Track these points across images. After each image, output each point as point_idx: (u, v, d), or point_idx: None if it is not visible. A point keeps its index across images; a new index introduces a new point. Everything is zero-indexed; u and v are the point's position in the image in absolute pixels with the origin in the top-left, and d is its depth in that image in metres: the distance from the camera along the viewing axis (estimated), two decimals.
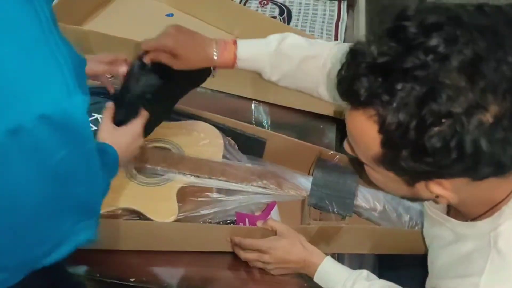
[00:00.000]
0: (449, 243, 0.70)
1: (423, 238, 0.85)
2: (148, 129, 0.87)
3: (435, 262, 0.75)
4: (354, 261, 0.94)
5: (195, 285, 0.90)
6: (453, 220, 0.69)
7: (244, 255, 0.87)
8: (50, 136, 0.50)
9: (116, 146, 0.76)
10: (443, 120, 0.50)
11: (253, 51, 0.85)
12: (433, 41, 0.50)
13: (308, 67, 0.83)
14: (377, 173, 0.61)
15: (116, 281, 0.90)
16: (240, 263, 0.90)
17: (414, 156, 0.53)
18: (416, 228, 0.91)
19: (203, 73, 0.92)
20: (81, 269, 0.91)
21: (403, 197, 0.66)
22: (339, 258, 0.94)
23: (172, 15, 1.54)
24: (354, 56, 0.55)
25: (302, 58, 0.83)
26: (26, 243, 0.56)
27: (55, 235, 0.59)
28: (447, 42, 0.50)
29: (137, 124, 0.83)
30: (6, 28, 0.49)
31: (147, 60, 0.84)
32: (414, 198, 0.64)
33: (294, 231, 0.85)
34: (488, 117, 0.50)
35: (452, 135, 0.50)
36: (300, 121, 1.23)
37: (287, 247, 0.84)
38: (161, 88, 0.85)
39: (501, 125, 0.50)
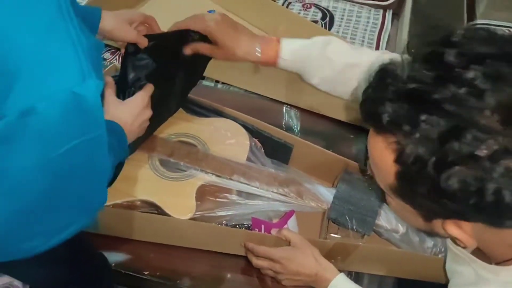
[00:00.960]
0: (469, 284, 0.66)
1: (445, 269, 0.81)
2: (153, 123, 0.87)
3: None
4: (373, 282, 0.91)
5: (207, 285, 0.90)
6: (478, 261, 0.65)
7: (256, 261, 0.86)
8: (60, 123, 0.49)
9: (122, 120, 0.74)
10: (464, 162, 0.46)
11: (296, 52, 0.83)
12: (471, 74, 0.46)
13: (349, 74, 0.82)
14: (394, 202, 0.58)
15: (130, 273, 0.91)
16: (253, 268, 0.89)
17: (431, 195, 0.49)
18: (440, 256, 0.87)
19: (200, 63, 0.92)
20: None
21: (419, 230, 0.63)
22: (358, 276, 0.92)
23: (214, 11, 1.53)
24: (383, 76, 0.52)
25: (344, 65, 0.81)
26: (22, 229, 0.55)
27: (53, 225, 0.57)
28: (487, 78, 0.46)
29: (142, 95, 0.80)
30: (23, 9, 0.49)
31: (187, 51, 0.84)
32: (431, 233, 0.61)
33: (309, 243, 0.83)
34: None
35: (473, 180, 0.46)
36: (330, 129, 1.21)
37: (300, 259, 0.82)
38: (156, 73, 0.85)
39: None
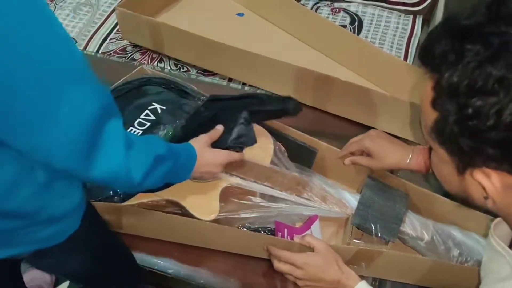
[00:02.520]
0: (505, 277, 0.64)
1: (478, 275, 0.78)
2: None
3: None
4: None
5: (231, 286, 0.91)
6: (511, 252, 0.64)
7: (277, 265, 0.86)
8: None
9: (198, 155, 0.79)
10: (493, 84, 0.47)
11: None
12: None
13: None
14: (434, 155, 0.59)
15: (155, 270, 0.92)
16: (276, 272, 0.89)
17: (459, 121, 0.51)
18: (466, 265, 0.85)
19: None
20: None
21: (455, 194, 0.63)
22: (381, 284, 0.91)
23: (242, 14, 1.55)
24: (445, 20, 0.54)
25: None
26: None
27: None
28: None
29: (225, 155, 0.85)
30: None
31: (347, 162, 0.95)
32: (465, 198, 0.60)
33: (332, 250, 0.83)
34: None
35: (496, 102, 0.47)
36: (357, 134, 1.20)
37: (322, 265, 0.82)
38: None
39: None
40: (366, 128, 1.18)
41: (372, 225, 0.86)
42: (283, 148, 0.99)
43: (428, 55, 0.54)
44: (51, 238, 0.73)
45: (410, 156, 0.88)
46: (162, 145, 0.71)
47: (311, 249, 0.84)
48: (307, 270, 0.82)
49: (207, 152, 0.83)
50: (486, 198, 0.56)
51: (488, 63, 0.48)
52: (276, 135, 1.01)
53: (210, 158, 0.82)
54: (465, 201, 0.62)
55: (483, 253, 0.85)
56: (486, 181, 0.54)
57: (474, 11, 0.52)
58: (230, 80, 1.35)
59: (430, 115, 0.54)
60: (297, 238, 0.86)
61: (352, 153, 0.97)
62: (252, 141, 0.91)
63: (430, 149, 0.62)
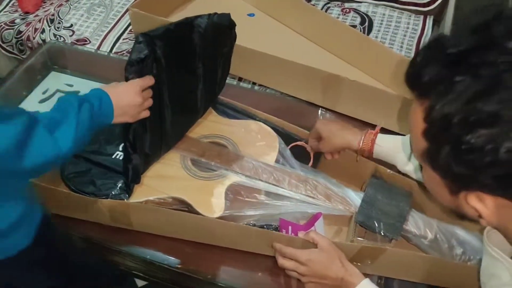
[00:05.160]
0: (504, 284, 0.65)
1: (478, 276, 0.79)
2: (182, 123, 0.93)
3: None
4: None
5: (239, 282, 0.92)
6: (509, 259, 0.64)
7: (281, 261, 0.87)
8: None
9: (111, 91, 0.81)
10: (486, 120, 0.47)
11: (389, 145, 0.93)
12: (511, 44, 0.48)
13: None
14: (426, 173, 0.59)
15: (164, 265, 0.94)
16: (281, 270, 0.90)
17: (453, 153, 0.51)
18: (469, 263, 0.85)
19: (221, 57, 1.02)
20: (134, 250, 0.96)
21: (448, 208, 0.63)
22: (387, 283, 0.91)
23: (253, 15, 1.57)
24: (432, 44, 0.54)
25: None
26: None
27: None
28: None
29: (133, 82, 0.83)
30: None
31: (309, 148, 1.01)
32: (458, 213, 0.61)
33: (335, 247, 0.84)
34: None
35: (492, 139, 0.47)
36: None
37: (325, 262, 0.82)
38: (170, 72, 0.90)
39: None
40: (369, 126, 1.18)
41: (376, 223, 0.87)
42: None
43: (416, 82, 0.54)
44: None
45: (362, 138, 0.92)
46: (72, 101, 0.75)
47: (314, 245, 0.85)
48: (311, 266, 0.83)
49: (119, 86, 0.83)
50: (480, 217, 0.56)
51: (479, 98, 0.47)
52: (282, 133, 1.03)
53: (123, 90, 0.82)
54: (461, 217, 0.62)
55: None
56: (480, 205, 0.54)
57: (461, 35, 0.51)
58: (240, 79, 1.36)
59: (422, 143, 0.54)
60: (301, 234, 0.87)
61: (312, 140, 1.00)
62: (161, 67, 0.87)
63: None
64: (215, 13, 0.98)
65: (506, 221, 0.57)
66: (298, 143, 1.03)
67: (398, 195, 0.91)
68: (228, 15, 1.00)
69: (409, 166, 0.90)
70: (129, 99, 0.82)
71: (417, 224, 0.87)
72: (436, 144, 0.52)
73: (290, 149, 1.00)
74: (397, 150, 0.91)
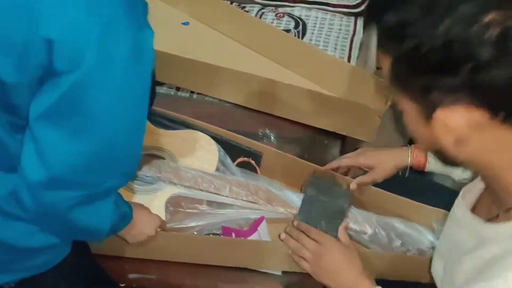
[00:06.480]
0: (471, 249, 0.63)
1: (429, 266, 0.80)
2: None
3: (456, 273, 0.66)
4: None
5: None
6: (477, 218, 0.63)
7: (293, 243, 0.86)
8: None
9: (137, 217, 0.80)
10: (448, 11, 0.49)
11: None
12: None
13: None
14: (404, 114, 0.59)
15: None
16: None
17: (404, 56, 0.52)
18: (408, 254, 0.88)
19: None
20: None
21: (431, 151, 0.64)
22: None
23: (188, 23, 1.56)
24: None
25: None
26: None
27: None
28: None
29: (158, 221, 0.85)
30: None
31: (353, 186, 0.96)
32: (440, 154, 0.59)
33: (355, 250, 0.83)
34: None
35: (430, 24, 0.49)
36: (306, 136, 1.23)
37: (341, 259, 0.81)
38: None
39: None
40: (312, 129, 1.21)
41: (316, 222, 0.88)
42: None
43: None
44: (44, 264, 0.74)
45: (410, 153, 0.93)
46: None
47: None
48: (328, 255, 0.81)
49: (143, 212, 0.84)
50: (457, 142, 0.53)
51: None
52: (221, 141, 1.02)
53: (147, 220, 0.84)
54: (442, 158, 0.60)
55: (424, 242, 0.89)
56: (451, 119, 0.52)
57: None
58: (178, 89, 1.35)
59: (386, 62, 0.55)
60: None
61: (341, 168, 1.00)
62: None
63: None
64: None
65: (484, 152, 0.55)
66: (245, 159, 1.02)
67: (337, 193, 0.93)
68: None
69: (466, 173, 0.89)
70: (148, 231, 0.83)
71: (356, 220, 0.90)
72: (391, 54, 0.54)
73: (232, 154, 1.00)
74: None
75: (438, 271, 0.72)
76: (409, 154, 0.93)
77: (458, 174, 0.91)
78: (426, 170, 0.94)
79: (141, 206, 0.85)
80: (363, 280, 0.78)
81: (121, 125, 0.61)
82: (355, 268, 0.80)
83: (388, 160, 0.94)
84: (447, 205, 0.88)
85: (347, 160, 0.99)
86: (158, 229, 0.85)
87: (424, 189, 1.07)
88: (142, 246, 0.86)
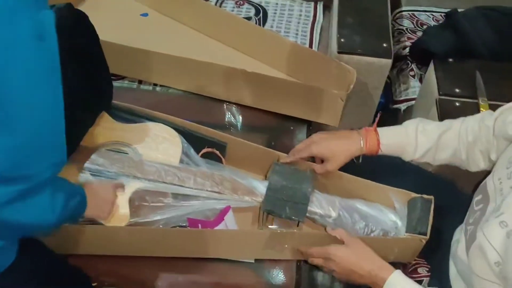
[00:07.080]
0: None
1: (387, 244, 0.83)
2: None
3: None
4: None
5: None
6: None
7: (311, 260, 0.89)
8: None
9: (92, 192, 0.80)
10: None
11: (394, 139, 0.93)
12: None
13: (446, 139, 0.90)
14: None
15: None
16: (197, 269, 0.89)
17: None
18: (372, 235, 0.90)
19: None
20: None
21: None
22: None
23: (147, 15, 1.53)
24: None
25: (439, 134, 0.90)
26: None
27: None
28: None
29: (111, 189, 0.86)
30: None
31: (318, 170, 0.95)
32: None
33: (362, 243, 0.84)
34: None
35: None
36: (272, 123, 1.24)
37: (352, 258, 0.83)
38: None
39: None
40: (278, 115, 1.22)
41: (281, 209, 0.89)
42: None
43: None
44: None
45: (362, 141, 0.92)
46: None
47: (341, 242, 0.85)
48: (339, 262, 0.84)
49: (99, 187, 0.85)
50: None
51: None
52: (184, 133, 1.02)
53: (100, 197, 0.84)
54: None
55: (387, 222, 0.91)
56: None
57: None
58: (140, 82, 1.33)
59: None
60: (329, 230, 0.87)
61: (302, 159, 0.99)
62: None
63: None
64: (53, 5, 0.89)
65: None
66: (209, 150, 1.01)
67: (300, 178, 0.94)
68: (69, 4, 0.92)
69: (418, 152, 0.91)
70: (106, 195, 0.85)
71: (320, 204, 0.91)
72: None
73: (196, 145, 0.99)
74: (404, 142, 0.92)
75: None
76: (361, 141, 0.92)
77: (408, 155, 0.92)
78: (380, 153, 0.94)
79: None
80: (381, 265, 0.82)
81: (38, 106, 0.61)
82: (367, 258, 0.83)
83: (341, 151, 0.93)
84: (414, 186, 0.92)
85: (300, 153, 0.97)
86: (117, 191, 0.87)
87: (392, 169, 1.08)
88: (112, 217, 0.87)
